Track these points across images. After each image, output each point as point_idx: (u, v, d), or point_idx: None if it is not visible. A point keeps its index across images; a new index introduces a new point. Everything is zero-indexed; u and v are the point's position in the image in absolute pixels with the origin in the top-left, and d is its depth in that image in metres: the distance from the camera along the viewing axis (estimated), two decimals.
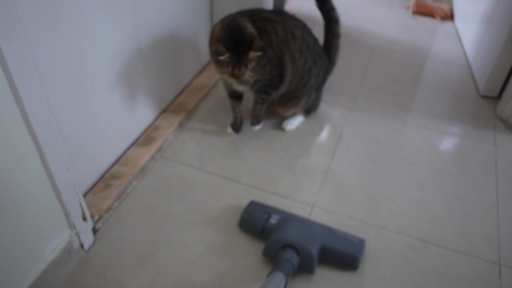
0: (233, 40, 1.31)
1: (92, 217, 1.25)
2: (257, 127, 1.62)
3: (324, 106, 1.76)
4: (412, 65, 2.08)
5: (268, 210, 1.31)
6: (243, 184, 1.44)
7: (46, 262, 1.08)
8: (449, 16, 2.44)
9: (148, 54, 1.47)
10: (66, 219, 1.12)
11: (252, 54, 1.32)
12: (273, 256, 1.19)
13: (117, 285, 1.15)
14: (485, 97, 1.88)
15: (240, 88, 1.51)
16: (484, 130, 1.71)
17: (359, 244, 1.24)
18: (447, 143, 1.65)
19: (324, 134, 1.66)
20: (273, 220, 1.27)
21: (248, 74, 1.38)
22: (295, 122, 1.68)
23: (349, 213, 1.36)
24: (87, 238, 1.21)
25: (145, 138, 1.54)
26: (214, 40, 1.36)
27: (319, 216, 1.34)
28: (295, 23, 1.49)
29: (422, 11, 2.46)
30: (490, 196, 1.44)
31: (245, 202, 1.37)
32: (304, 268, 1.18)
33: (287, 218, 1.27)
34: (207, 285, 1.17)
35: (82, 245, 1.19)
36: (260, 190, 1.42)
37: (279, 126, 1.67)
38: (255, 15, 1.43)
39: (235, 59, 1.31)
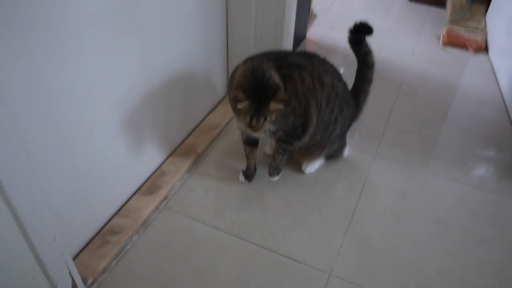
0: (255, 88, 1.18)
1: (86, 280, 1.13)
2: (276, 178, 1.50)
3: (346, 151, 1.62)
4: (441, 104, 1.93)
5: None
6: (254, 244, 1.30)
7: None
8: (483, 48, 2.27)
9: (157, 95, 1.36)
10: None
11: (274, 106, 1.19)
12: None
13: None
14: None
15: (258, 135, 1.38)
16: None
17: None
18: (483, 201, 1.47)
19: (344, 185, 1.51)
20: None
21: (266, 127, 1.26)
22: (315, 165, 1.55)
23: (371, 284, 1.21)
24: None
25: (149, 186, 1.42)
26: (235, 85, 1.22)
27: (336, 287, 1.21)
28: (325, 68, 1.35)
29: (453, 42, 2.30)
30: None
31: (254, 265, 1.24)
32: None
33: None
34: None
35: None
36: (271, 252, 1.28)
37: (297, 169, 1.54)
38: (281, 59, 1.30)
39: (254, 108, 1.19)
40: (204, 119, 1.71)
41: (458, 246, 1.33)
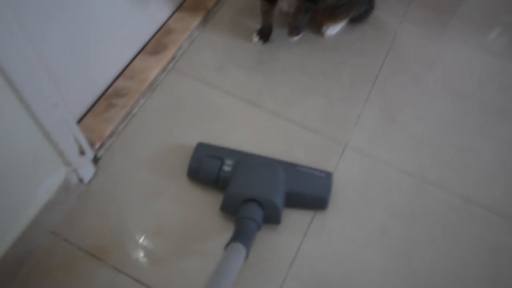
0: None
1: (93, 144, 1.09)
2: (296, 38, 1.36)
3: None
4: None
5: (219, 154, 1.10)
6: (267, 111, 1.23)
7: (39, 205, 0.95)
8: None
9: None
10: (60, 157, 0.96)
11: None
12: (233, 212, 1.03)
13: (120, 227, 1.04)
14: None
15: None
16: None
17: (327, 180, 1.10)
18: None
19: (367, 51, 1.38)
20: (227, 167, 1.07)
21: None
22: (337, 27, 1.40)
23: (386, 157, 1.17)
24: (87, 171, 1.07)
25: (155, 44, 1.29)
26: None
27: (352, 160, 1.16)
28: None
29: None
30: None
31: (267, 133, 1.19)
32: (270, 220, 1.03)
33: (243, 162, 1.08)
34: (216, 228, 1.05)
35: (81, 180, 1.05)
36: (286, 120, 1.22)
37: (316, 30, 1.40)
38: None
39: None
40: None
41: (481, 122, 1.26)
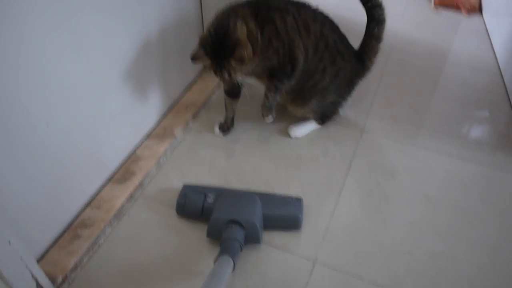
0: (216, 45, 1.16)
1: (55, 279, 1.06)
2: (270, 119, 1.43)
3: (332, 126, 1.53)
4: (433, 71, 1.83)
5: (203, 190, 1.27)
6: None
7: None
8: (477, 9, 2.15)
9: (128, 72, 1.25)
10: None
11: (234, 63, 1.16)
12: (218, 236, 1.16)
13: None
14: None
15: (247, 80, 1.34)
16: None
17: (298, 203, 1.26)
18: (475, 175, 1.40)
19: (330, 164, 1.42)
20: (210, 199, 1.24)
21: (239, 80, 1.25)
22: (304, 129, 1.49)
23: (358, 270, 1.14)
24: None
25: (123, 173, 1.33)
26: (199, 39, 1.20)
27: (322, 277, 1.13)
28: (314, 17, 1.29)
29: (445, 2, 2.17)
30: None
31: None
32: (251, 240, 1.17)
33: (223, 193, 1.26)
34: None
35: None
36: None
37: (284, 132, 1.49)
38: (263, 4, 1.24)
39: (216, 64, 1.17)
40: (181, 96, 1.59)
41: (449, 225, 1.26)
